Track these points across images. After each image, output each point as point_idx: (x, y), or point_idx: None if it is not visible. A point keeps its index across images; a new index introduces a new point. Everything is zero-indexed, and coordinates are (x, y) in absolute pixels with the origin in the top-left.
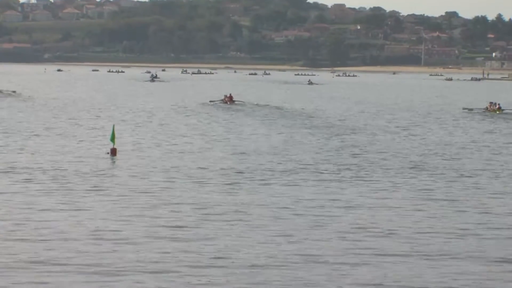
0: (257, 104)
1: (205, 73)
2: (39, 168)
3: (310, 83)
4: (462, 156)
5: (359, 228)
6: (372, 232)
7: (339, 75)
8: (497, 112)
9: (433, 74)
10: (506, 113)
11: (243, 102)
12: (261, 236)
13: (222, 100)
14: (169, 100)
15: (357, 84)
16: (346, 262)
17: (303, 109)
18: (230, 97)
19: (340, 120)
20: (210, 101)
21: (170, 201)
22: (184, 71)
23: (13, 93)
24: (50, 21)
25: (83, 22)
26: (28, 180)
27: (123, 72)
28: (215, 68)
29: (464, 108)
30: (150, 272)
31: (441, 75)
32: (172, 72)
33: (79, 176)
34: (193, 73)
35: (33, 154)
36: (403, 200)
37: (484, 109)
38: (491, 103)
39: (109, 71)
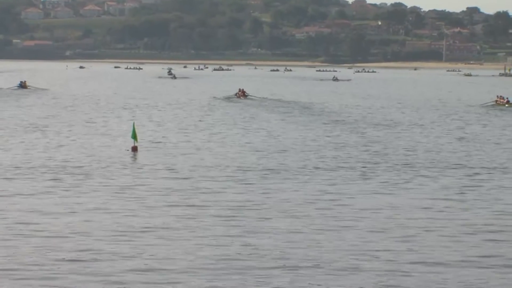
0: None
1: (224, 70)
2: (57, 165)
3: (336, 79)
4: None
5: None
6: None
7: (358, 71)
8: (506, 105)
9: (450, 69)
10: None
11: (255, 96)
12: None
13: (235, 94)
14: (185, 96)
15: (383, 81)
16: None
17: None
18: (243, 92)
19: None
20: (224, 97)
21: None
22: (206, 67)
23: (43, 90)
24: (71, 18)
25: (104, 19)
26: (44, 177)
27: (141, 69)
28: (231, 65)
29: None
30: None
31: (459, 71)
32: (188, 69)
33: (99, 174)
34: (214, 69)
35: (52, 150)
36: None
37: (493, 102)
38: (498, 96)
39: (127, 68)
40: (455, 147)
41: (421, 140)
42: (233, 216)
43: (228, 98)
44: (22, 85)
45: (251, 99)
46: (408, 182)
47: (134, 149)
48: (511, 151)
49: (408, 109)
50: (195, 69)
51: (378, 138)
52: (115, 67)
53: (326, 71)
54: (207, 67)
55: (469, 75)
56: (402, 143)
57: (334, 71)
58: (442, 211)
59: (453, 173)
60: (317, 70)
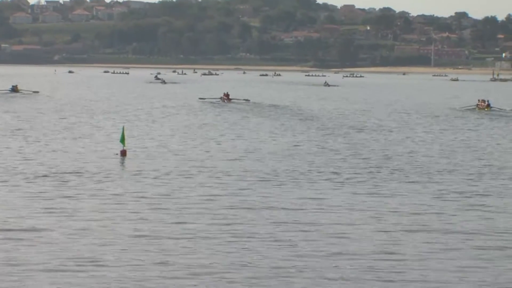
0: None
1: (213, 74)
2: (46, 170)
3: (327, 85)
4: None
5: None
6: None
7: (346, 76)
8: (486, 109)
9: (436, 74)
10: (494, 110)
11: (240, 100)
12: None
13: (220, 98)
14: (171, 100)
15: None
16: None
17: None
18: (227, 96)
19: None
20: (200, 98)
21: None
22: (195, 72)
23: (34, 93)
24: (60, 23)
25: (92, 23)
26: (29, 181)
27: (127, 73)
28: (218, 69)
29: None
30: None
31: (445, 75)
32: (174, 74)
33: (87, 178)
34: (203, 74)
35: (41, 154)
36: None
37: (474, 106)
38: (479, 100)
39: (113, 73)
40: (436, 152)
41: (401, 144)
42: (225, 222)
43: (212, 102)
44: (14, 89)
45: (236, 102)
46: (386, 187)
47: (123, 153)
48: (490, 155)
49: (380, 114)
50: (178, 73)
51: (362, 141)
52: (105, 71)
53: (315, 75)
54: (196, 72)
55: (456, 80)
56: (378, 146)
57: (323, 75)
58: (430, 218)
59: (433, 177)
60: (306, 75)
